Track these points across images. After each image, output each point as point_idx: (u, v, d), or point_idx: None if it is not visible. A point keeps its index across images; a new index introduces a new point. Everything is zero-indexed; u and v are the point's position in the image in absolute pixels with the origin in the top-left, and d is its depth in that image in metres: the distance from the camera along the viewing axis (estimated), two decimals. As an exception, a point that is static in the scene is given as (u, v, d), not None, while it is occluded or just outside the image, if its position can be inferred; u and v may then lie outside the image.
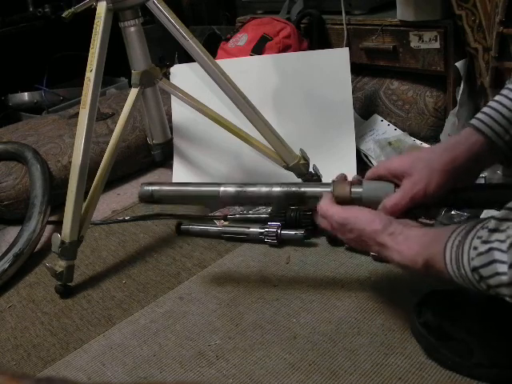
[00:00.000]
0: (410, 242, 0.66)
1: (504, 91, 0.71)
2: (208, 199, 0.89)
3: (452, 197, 0.73)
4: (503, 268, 0.53)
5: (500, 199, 0.66)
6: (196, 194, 0.87)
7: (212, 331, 0.87)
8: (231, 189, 0.85)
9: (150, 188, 0.88)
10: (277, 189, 0.83)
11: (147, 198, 0.88)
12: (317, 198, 0.79)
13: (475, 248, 0.56)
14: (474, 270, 0.56)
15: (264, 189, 0.84)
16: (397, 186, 0.74)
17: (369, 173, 0.78)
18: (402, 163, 0.74)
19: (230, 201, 0.88)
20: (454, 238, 0.60)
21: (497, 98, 0.72)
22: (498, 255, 0.54)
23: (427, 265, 0.63)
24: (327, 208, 0.76)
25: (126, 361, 0.84)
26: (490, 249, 0.54)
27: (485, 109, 0.72)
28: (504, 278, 0.53)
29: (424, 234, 0.66)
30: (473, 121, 0.72)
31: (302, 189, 0.81)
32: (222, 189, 0.85)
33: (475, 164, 0.73)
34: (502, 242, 0.53)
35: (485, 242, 0.55)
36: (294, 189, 0.82)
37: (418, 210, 0.73)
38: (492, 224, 0.55)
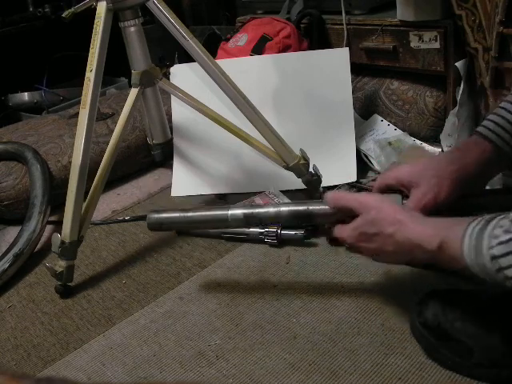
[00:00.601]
0: (428, 224, 0.67)
1: (509, 97, 0.72)
2: (217, 224, 0.89)
3: (462, 202, 0.74)
4: None
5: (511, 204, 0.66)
6: (204, 220, 0.88)
7: (212, 331, 0.87)
8: (239, 211, 0.85)
9: (158, 216, 0.88)
10: (285, 209, 0.83)
11: (156, 227, 0.89)
12: (324, 215, 0.80)
13: (496, 237, 0.56)
14: (494, 258, 0.56)
15: (272, 209, 0.84)
16: (405, 196, 0.75)
17: (377, 183, 0.79)
18: (411, 173, 0.75)
19: (239, 224, 0.87)
20: (474, 225, 0.60)
21: (502, 104, 0.73)
22: None
23: (442, 247, 0.63)
24: (342, 195, 0.78)
25: (126, 361, 0.84)
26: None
27: (490, 116, 0.73)
28: None
29: (442, 220, 0.67)
30: (479, 129, 0.73)
31: (310, 207, 0.82)
32: (230, 212, 0.85)
33: (484, 171, 0.74)
34: None
35: (507, 232, 0.55)
36: (301, 208, 0.82)
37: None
38: None
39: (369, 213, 0.71)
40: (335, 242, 0.80)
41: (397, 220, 0.68)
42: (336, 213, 0.79)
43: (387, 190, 0.79)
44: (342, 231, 0.76)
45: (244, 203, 0.87)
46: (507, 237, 0.55)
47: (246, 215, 0.85)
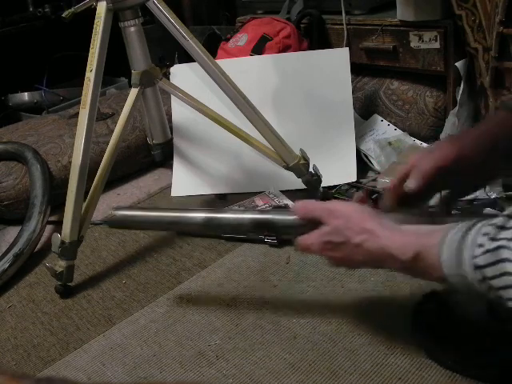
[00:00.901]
0: (402, 232, 0.64)
1: None
2: (177, 226, 0.86)
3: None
4: None
5: None
6: (163, 221, 0.85)
7: (212, 331, 0.87)
8: (199, 215, 0.81)
9: (119, 213, 0.86)
10: (247, 216, 0.79)
11: (115, 224, 0.87)
12: (288, 226, 0.77)
13: (481, 245, 0.54)
14: (478, 268, 0.53)
15: (233, 216, 0.80)
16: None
17: (422, 168, 0.71)
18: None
19: (200, 229, 0.83)
20: (453, 233, 0.58)
21: None
22: (507, 254, 0.51)
23: (417, 257, 0.60)
24: (308, 203, 0.74)
25: (126, 361, 0.84)
26: (499, 247, 0.51)
27: None
28: None
29: (418, 228, 0.64)
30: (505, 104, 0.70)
31: (275, 217, 0.78)
32: (189, 215, 0.82)
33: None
34: (511, 240, 0.51)
35: (493, 240, 0.53)
36: (265, 217, 0.78)
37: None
38: (500, 221, 0.53)
39: (336, 221, 0.69)
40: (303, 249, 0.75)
41: (366, 229, 0.66)
42: (303, 224, 0.74)
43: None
44: (307, 239, 0.72)
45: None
46: (494, 245, 0.52)
47: (205, 220, 0.81)
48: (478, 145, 0.70)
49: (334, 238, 0.69)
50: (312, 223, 0.72)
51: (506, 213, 0.55)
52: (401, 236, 0.63)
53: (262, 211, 0.81)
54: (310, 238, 0.72)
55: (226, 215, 0.81)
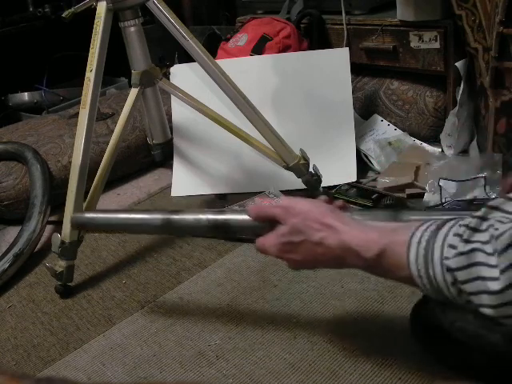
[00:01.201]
0: (365, 228, 0.61)
1: None
2: (137, 228, 0.84)
3: None
4: (491, 272, 0.48)
5: None
6: (124, 223, 0.83)
7: (212, 331, 0.87)
8: (158, 216, 0.80)
9: (81, 216, 0.85)
10: (203, 217, 0.77)
11: (79, 227, 0.87)
12: (245, 227, 0.75)
13: (453, 246, 0.51)
14: (449, 271, 0.51)
15: (191, 217, 0.78)
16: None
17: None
18: None
19: (158, 231, 0.81)
20: (422, 230, 0.55)
21: None
22: (481, 257, 0.49)
23: (382, 255, 0.57)
24: (264, 204, 0.73)
25: (126, 361, 0.84)
26: (473, 249, 0.49)
27: None
28: (492, 285, 0.48)
29: (384, 224, 0.62)
30: None
31: (228, 217, 0.76)
32: (147, 217, 0.80)
33: None
34: (485, 243, 0.49)
35: (466, 242, 0.50)
36: (220, 217, 0.76)
37: None
38: (473, 222, 0.51)
39: (294, 219, 0.65)
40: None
41: (325, 225, 0.63)
42: (258, 226, 0.72)
43: None
44: (265, 241, 0.69)
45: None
46: (467, 247, 0.50)
47: (163, 221, 0.79)
48: None
49: (292, 238, 0.65)
50: (269, 223, 0.69)
51: (478, 214, 0.51)
52: (364, 232, 0.60)
53: (220, 211, 0.78)
54: (268, 240, 0.68)
55: (184, 216, 0.79)
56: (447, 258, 0.51)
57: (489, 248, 0.48)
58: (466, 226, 0.51)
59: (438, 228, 0.54)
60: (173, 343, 0.86)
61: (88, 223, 0.86)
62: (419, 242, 0.54)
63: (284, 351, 0.81)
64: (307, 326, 0.85)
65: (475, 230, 0.50)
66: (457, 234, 0.52)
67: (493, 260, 0.48)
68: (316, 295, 0.92)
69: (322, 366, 0.77)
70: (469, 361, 0.70)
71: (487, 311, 0.50)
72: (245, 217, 0.74)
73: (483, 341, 0.70)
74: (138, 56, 1.12)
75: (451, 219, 0.54)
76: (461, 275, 0.50)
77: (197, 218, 0.78)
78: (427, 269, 0.54)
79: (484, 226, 0.50)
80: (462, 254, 0.50)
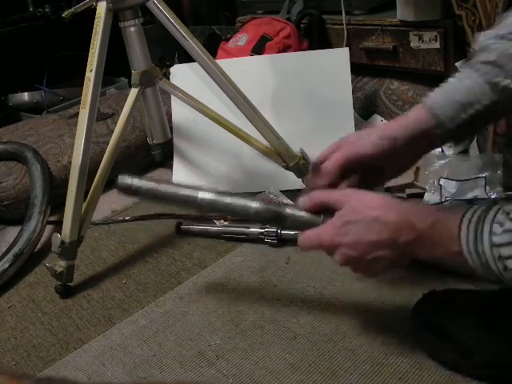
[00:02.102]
0: (419, 205, 0.63)
1: (459, 75, 0.71)
2: (184, 203, 0.84)
3: None
4: None
5: None
6: (172, 196, 0.83)
7: (212, 331, 0.87)
8: (208, 196, 0.80)
9: (130, 180, 0.83)
10: (255, 205, 0.77)
11: (124, 189, 0.84)
12: (296, 220, 0.75)
13: (501, 224, 0.54)
14: (494, 246, 0.54)
15: (241, 202, 0.79)
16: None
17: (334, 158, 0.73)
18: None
19: (207, 208, 0.81)
20: (473, 210, 0.57)
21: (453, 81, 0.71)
22: None
23: (435, 227, 0.59)
24: (317, 193, 0.72)
25: (126, 361, 0.84)
26: None
27: (439, 90, 0.71)
28: None
29: (436, 206, 0.64)
30: (428, 102, 0.71)
31: (282, 208, 0.76)
32: (199, 195, 0.81)
33: (419, 147, 0.72)
34: None
35: None
36: (272, 208, 0.77)
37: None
38: None
39: (352, 202, 0.67)
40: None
41: (383, 204, 0.65)
42: (312, 219, 0.73)
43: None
44: (318, 230, 0.70)
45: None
46: None
47: (211, 201, 0.79)
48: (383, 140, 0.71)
49: (348, 218, 0.66)
50: (322, 217, 0.71)
51: None
52: (420, 207, 0.64)
53: (272, 203, 0.79)
54: (321, 227, 0.69)
55: (233, 200, 0.79)
56: (495, 234, 0.54)
57: None
58: None
59: (489, 207, 0.56)
60: (173, 343, 0.86)
61: (133, 189, 0.83)
62: (471, 219, 0.57)
63: (284, 351, 0.81)
64: (307, 326, 0.85)
65: None
66: (505, 212, 0.54)
67: None
68: (316, 295, 0.92)
69: (322, 366, 0.77)
70: (469, 361, 0.71)
71: None
72: (298, 210, 0.74)
73: (483, 341, 0.70)
74: (138, 56, 1.12)
75: (502, 199, 0.56)
76: (504, 251, 0.53)
77: (246, 205, 0.78)
78: (476, 244, 0.56)
79: None
80: (508, 231, 0.53)
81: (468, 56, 0.73)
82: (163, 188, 0.83)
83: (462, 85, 0.70)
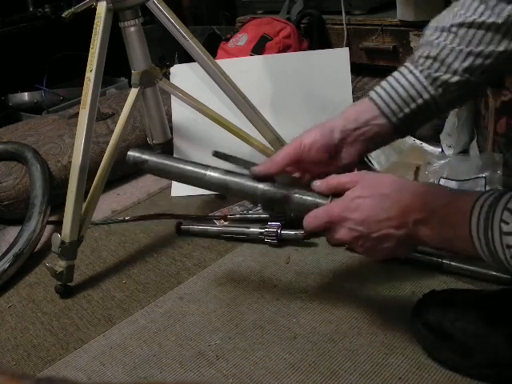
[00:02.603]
0: (432, 185, 0.64)
1: (402, 69, 0.73)
2: (192, 180, 0.84)
3: None
4: None
5: None
6: (180, 172, 0.83)
7: (212, 331, 0.87)
8: (216, 175, 0.81)
9: (138, 154, 0.85)
10: (262, 186, 0.78)
11: (133, 162, 0.85)
12: (303, 202, 0.75)
13: (510, 210, 0.53)
14: (504, 234, 0.54)
15: (249, 182, 0.79)
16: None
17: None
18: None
19: (214, 186, 0.82)
20: (485, 197, 0.57)
21: (395, 74, 0.73)
22: None
23: (448, 207, 0.59)
24: (332, 176, 0.73)
25: (126, 361, 0.84)
26: None
27: (384, 84, 0.73)
28: None
29: (451, 188, 0.64)
30: (373, 96, 0.73)
31: (289, 191, 0.76)
32: (208, 172, 0.81)
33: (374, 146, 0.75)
34: None
35: None
36: (280, 190, 0.77)
37: None
38: None
39: (364, 181, 0.68)
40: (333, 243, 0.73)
41: (397, 182, 0.66)
42: (321, 201, 0.73)
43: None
44: (329, 205, 0.70)
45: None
46: None
47: (221, 181, 0.80)
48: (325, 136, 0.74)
49: (362, 193, 0.66)
50: (332, 198, 0.72)
51: None
52: (435, 186, 0.65)
53: (280, 184, 0.78)
54: (334, 202, 0.70)
55: (242, 180, 0.80)
56: (504, 222, 0.54)
57: None
58: None
59: (501, 195, 0.56)
60: (173, 343, 0.86)
61: (142, 162, 0.85)
62: (483, 204, 0.57)
63: (284, 351, 0.81)
64: (307, 325, 0.85)
65: None
66: None
67: None
68: (316, 295, 0.92)
69: (322, 366, 0.77)
70: (469, 361, 0.71)
71: None
72: (308, 191, 0.75)
73: (483, 341, 0.70)
74: (138, 56, 1.12)
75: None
76: (511, 240, 0.53)
77: (253, 185, 0.78)
78: (487, 231, 0.55)
79: None
80: None
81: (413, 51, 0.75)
82: (171, 163, 0.84)
83: (404, 79, 0.71)
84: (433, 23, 0.72)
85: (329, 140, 0.74)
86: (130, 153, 0.85)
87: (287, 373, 0.77)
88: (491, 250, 0.56)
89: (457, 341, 0.71)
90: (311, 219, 0.71)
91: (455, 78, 0.68)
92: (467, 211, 0.58)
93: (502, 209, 0.55)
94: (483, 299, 0.74)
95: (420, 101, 0.70)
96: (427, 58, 0.70)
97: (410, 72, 0.71)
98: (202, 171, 0.81)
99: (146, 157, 0.84)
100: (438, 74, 0.69)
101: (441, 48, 0.68)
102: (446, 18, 0.70)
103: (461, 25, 0.67)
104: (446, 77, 0.68)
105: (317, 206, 0.72)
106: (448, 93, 0.69)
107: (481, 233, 0.57)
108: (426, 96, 0.70)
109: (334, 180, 0.72)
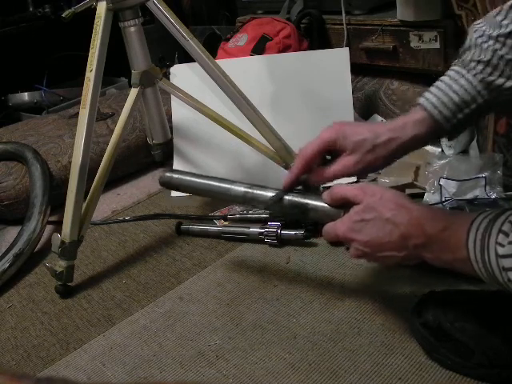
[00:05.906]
0: (433, 208, 0.65)
1: (453, 74, 0.72)
2: (218, 196, 0.90)
3: None
4: None
5: None
6: (207, 189, 0.90)
7: (212, 331, 0.87)
8: (240, 189, 0.86)
9: (170, 175, 0.92)
10: (286, 197, 0.81)
11: (166, 184, 0.93)
12: (319, 213, 0.78)
13: (506, 234, 0.54)
14: (499, 257, 0.54)
15: (269, 194, 0.83)
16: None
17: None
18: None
19: (239, 200, 0.89)
20: (481, 218, 0.58)
21: (444, 78, 0.73)
22: None
23: (444, 232, 0.60)
24: (340, 186, 0.75)
25: (126, 361, 0.84)
26: None
27: (434, 91, 0.72)
28: None
29: (448, 210, 0.66)
30: (424, 103, 0.72)
31: (306, 201, 0.80)
32: (232, 187, 0.87)
33: (415, 145, 0.75)
34: None
35: None
36: (299, 200, 0.80)
37: None
38: None
39: (371, 198, 0.69)
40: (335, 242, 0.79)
41: (400, 204, 0.66)
42: (333, 211, 0.76)
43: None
44: (336, 222, 0.73)
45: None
46: None
47: (245, 193, 0.86)
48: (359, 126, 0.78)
49: (364, 215, 0.68)
50: (343, 210, 0.74)
51: None
52: (433, 210, 0.64)
53: (298, 193, 0.82)
54: (340, 221, 0.72)
55: (263, 192, 0.85)
56: (500, 244, 0.54)
57: None
58: None
59: (497, 216, 0.57)
60: (173, 343, 0.86)
61: (175, 183, 0.93)
62: (479, 226, 0.57)
63: (284, 351, 0.81)
64: (307, 325, 0.85)
65: None
66: (511, 222, 0.54)
67: None
68: (316, 295, 0.92)
69: (322, 366, 0.77)
70: (469, 361, 0.71)
71: None
72: (322, 202, 0.78)
73: (483, 341, 0.70)
74: (138, 56, 1.12)
75: (508, 209, 0.57)
76: (507, 262, 0.53)
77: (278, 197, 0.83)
78: (483, 253, 0.56)
79: None
80: (510, 242, 0.53)
81: (459, 53, 0.75)
82: (199, 182, 0.90)
83: (457, 84, 0.71)
84: (478, 29, 0.70)
85: (374, 137, 0.74)
86: (162, 175, 0.93)
87: (287, 373, 0.77)
88: (489, 272, 0.57)
89: (456, 341, 0.71)
90: (325, 234, 0.76)
91: (509, 83, 0.68)
92: (464, 234, 0.59)
93: (497, 231, 0.55)
94: (483, 299, 0.74)
95: (474, 106, 0.70)
96: (479, 62, 0.69)
97: (463, 76, 0.70)
98: (227, 186, 0.88)
99: (176, 179, 0.92)
100: (492, 78, 0.68)
101: (491, 54, 0.68)
102: (489, 26, 0.69)
103: (509, 35, 0.67)
104: (500, 81, 0.68)
105: (330, 216, 0.76)
106: (502, 96, 0.69)
107: (478, 256, 0.57)
108: (479, 100, 0.69)
109: (338, 194, 0.74)
